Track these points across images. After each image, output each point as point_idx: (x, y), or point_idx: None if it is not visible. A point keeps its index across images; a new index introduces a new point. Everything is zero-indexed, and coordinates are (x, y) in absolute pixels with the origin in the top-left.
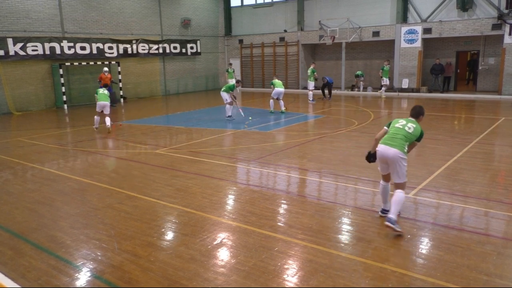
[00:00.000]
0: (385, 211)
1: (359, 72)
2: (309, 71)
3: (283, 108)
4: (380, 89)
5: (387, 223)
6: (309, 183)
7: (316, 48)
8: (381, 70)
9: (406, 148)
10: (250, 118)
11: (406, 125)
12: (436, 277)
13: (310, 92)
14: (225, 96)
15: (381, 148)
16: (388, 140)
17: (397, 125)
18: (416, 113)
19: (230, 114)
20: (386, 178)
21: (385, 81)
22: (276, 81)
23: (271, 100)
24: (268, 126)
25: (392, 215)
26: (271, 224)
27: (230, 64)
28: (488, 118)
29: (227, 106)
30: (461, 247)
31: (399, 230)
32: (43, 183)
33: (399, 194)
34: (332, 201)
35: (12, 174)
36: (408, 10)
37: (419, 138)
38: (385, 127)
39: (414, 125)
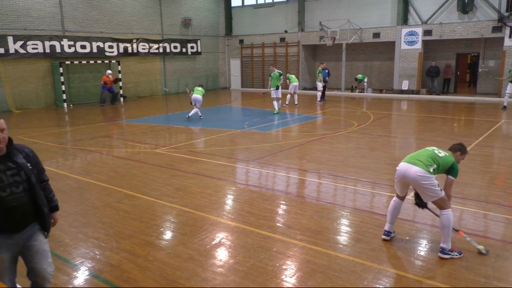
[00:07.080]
0: (388, 233)
1: (359, 76)
2: (317, 71)
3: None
4: None
5: (440, 255)
6: (308, 184)
7: (317, 49)
8: None
9: (432, 170)
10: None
11: (436, 149)
12: (434, 279)
13: (319, 93)
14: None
15: (401, 166)
16: (411, 158)
17: (427, 147)
18: (453, 148)
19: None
20: (401, 197)
21: None
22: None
23: (275, 102)
24: (268, 126)
25: (443, 244)
26: (270, 225)
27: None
28: (487, 120)
29: None
30: (460, 249)
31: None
32: None
33: (443, 217)
34: (331, 202)
35: None
36: (409, 12)
37: (451, 171)
38: None
39: (447, 153)
